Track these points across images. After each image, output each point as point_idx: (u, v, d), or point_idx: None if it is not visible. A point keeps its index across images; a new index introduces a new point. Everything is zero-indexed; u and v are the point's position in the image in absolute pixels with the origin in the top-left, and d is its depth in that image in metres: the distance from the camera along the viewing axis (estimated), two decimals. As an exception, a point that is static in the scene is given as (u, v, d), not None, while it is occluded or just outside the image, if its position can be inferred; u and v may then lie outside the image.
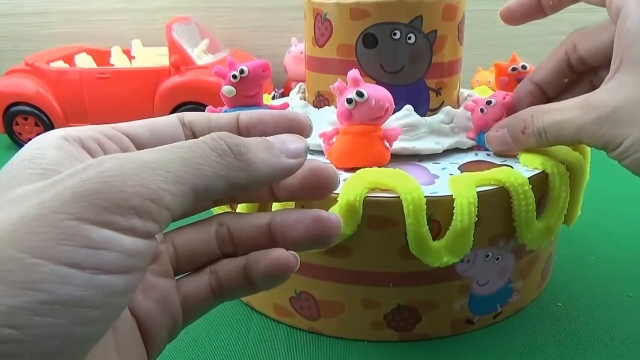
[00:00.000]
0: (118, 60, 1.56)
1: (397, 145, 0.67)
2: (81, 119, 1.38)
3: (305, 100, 0.80)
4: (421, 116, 0.70)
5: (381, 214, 0.59)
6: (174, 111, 1.34)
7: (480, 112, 0.68)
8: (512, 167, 0.64)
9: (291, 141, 0.36)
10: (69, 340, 0.25)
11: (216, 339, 0.67)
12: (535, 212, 0.63)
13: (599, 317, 0.68)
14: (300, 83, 0.87)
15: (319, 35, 0.73)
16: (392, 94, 0.65)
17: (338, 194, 0.58)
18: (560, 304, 0.71)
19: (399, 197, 0.57)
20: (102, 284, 0.26)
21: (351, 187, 0.58)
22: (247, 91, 0.74)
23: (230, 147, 0.32)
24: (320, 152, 0.69)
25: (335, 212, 0.58)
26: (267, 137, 0.36)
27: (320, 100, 0.76)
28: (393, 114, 0.68)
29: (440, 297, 0.64)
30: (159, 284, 0.38)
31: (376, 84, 0.69)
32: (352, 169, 0.64)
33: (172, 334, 0.39)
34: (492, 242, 0.63)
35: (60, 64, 1.46)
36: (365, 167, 0.63)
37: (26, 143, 1.15)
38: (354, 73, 0.63)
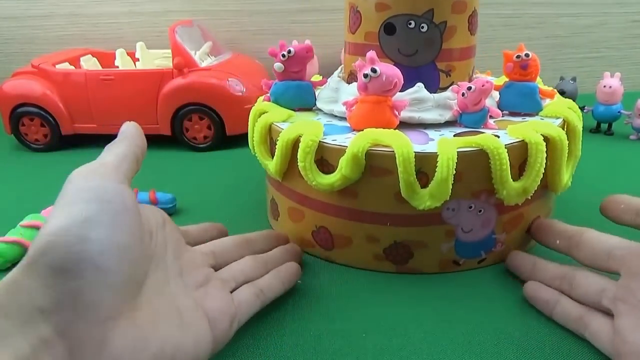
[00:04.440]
0: (122, 63, 1.54)
1: (405, 114, 0.83)
2: (86, 120, 1.41)
3: (341, 78, 0.97)
4: (431, 93, 0.85)
5: (380, 165, 0.75)
6: (177, 112, 1.38)
7: (462, 96, 0.81)
8: (498, 136, 0.78)
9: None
10: None
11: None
12: (517, 174, 0.76)
13: None
14: (341, 65, 1.04)
15: (351, 24, 0.90)
16: (407, 74, 0.81)
17: (347, 146, 0.75)
18: None
19: (393, 151, 0.73)
20: None
21: (356, 142, 0.74)
22: (293, 68, 0.93)
23: None
24: (344, 118, 0.86)
25: (343, 161, 0.74)
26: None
27: (352, 77, 0.92)
28: (406, 90, 0.84)
29: (428, 238, 0.79)
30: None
31: (394, 64, 0.85)
32: (366, 131, 0.80)
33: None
34: (474, 196, 0.77)
35: (65, 66, 1.45)
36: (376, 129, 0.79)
37: (32, 144, 1.42)
38: (371, 54, 0.79)
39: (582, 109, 1.53)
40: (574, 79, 1.55)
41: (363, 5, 0.86)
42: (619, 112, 1.46)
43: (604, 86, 1.46)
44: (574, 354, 0.64)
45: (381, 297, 0.76)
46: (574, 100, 1.56)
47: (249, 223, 0.97)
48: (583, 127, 1.55)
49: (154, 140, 1.42)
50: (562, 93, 1.51)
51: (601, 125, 1.52)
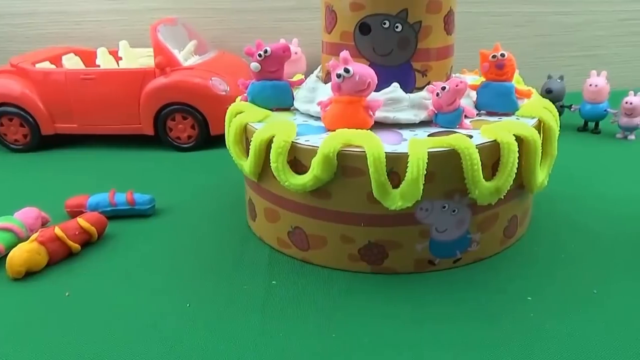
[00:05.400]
0: (104, 61, 1.51)
1: (380, 114, 0.82)
2: (67, 119, 1.38)
3: (319, 77, 0.96)
4: (407, 93, 0.85)
5: (352, 165, 0.74)
6: (159, 112, 1.36)
7: (436, 96, 0.81)
8: (471, 137, 0.78)
9: None
10: None
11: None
12: (490, 174, 0.76)
13: (563, 314, 0.71)
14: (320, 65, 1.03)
15: (327, 24, 0.90)
16: (383, 73, 0.81)
17: (318, 147, 0.74)
18: (530, 298, 0.74)
19: (365, 151, 0.72)
20: None
21: (327, 143, 0.74)
22: (269, 67, 0.92)
23: None
24: (318, 118, 0.85)
25: (315, 162, 0.74)
26: None
27: (329, 77, 0.92)
28: (381, 89, 0.83)
29: (403, 238, 0.79)
30: None
31: (370, 64, 0.85)
32: (340, 131, 0.80)
33: None
34: (447, 196, 0.77)
35: (46, 65, 1.42)
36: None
37: (12, 144, 1.39)
38: (344, 54, 0.79)
39: (569, 107, 1.53)
40: (561, 78, 1.54)
41: (338, 4, 0.86)
42: (605, 110, 1.45)
43: (590, 85, 1.45)
44: (541, 355, 0.64)
45: (355, 297, 0.76)
46: (561, 99, 1.55)
47: (227, 224, 0.97)
48: (571, 126, 1.59)
49: (136, 141, 1.42)
50: (550, 92, 1.51)
51: (588, 124, 1.51)
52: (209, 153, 1.37)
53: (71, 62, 1.49)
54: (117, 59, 1.55)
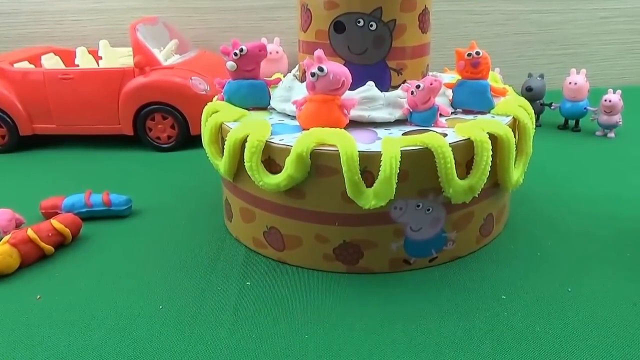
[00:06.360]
0: (83, 61, 1.51)
1: (355, 113, 0.82)
2: (45, 120, 1.38)
3: (296, 77, 0.96)
4: (383, 91, 0.85)
5: (326, 164, 0.74)
6: (139, 111, 1.35)
7: (411, 94, 0.81)
8: (445, 135, 0.78)
9: None
10: None
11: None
12: (464, 173, 0.76)
13: (537, 312, 0.71)
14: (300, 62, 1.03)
15: (303, 23, 0.89)
16: (358, 72, 0.81)
17: (292, 146, 0.74)
18: (504, 297, 0.74)
19: (338, 150, 0.72)
20: None
21: (301, 142, 0.73)
22: (246, 66, 0.92)
23: None
24: (294, 117, 0.85)
25: (288, 161, 0.74)
26: None
27: (305, 76, 0.91)
28: (356, 88, 0.83)
29: (377, 237, 0.78)
30: None
31: (345, 63, 0.84)
32: (315, 130, 0.79)
33: None
34: (421, 195, 0.76)
35: (24, 65, 1.42)
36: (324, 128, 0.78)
37: None
38: (318, 52, 0.78)
39: (549, 105, 1.53)
40: (541, 76, 1.54)
41: (313, 3, 0.86)
42: (585, 108, 1.46)
43: (570, 83, 1.46)
44: (513, 354, 0.64)
45: (329, 297, 0.75)
46: (541, 97, 1.56)
47: (204, 225, 0.96)
48: (551, 124, 1.60)
49: (116, 141, 1.41)
50: (530, 90, 1.51)
51: (569, 122, 1.52)
52: (189, 153, 1.36)
53: (50, 62, 1.47)
54: (97, 58, 1.53)
